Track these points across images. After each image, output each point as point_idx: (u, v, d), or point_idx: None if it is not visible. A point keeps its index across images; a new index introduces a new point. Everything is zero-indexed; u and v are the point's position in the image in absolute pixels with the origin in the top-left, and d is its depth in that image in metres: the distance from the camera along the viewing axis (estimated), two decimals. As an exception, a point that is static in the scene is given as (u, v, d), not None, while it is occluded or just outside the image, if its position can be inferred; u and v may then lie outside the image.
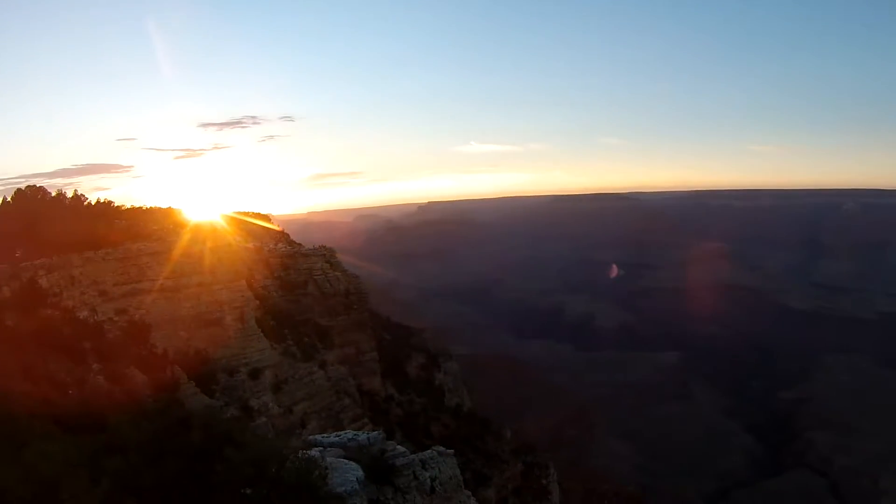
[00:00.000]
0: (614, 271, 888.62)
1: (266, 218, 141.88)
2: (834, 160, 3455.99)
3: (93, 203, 77.14)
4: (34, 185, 75.70)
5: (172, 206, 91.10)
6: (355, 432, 34.66)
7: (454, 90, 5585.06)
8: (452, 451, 36.39)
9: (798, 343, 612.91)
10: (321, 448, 31.22)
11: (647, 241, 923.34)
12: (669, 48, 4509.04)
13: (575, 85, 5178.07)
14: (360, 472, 28.72)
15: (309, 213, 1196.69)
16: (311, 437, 36.20)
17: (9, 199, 73.58)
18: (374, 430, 41.58)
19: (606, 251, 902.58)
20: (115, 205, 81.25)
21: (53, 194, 75.03)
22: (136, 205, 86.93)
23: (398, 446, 33.66)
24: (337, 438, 33.42)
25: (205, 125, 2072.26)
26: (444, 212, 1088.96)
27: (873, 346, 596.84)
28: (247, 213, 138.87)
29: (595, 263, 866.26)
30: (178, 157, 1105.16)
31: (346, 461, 29.78)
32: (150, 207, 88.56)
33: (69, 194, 75.97)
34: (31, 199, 73.58)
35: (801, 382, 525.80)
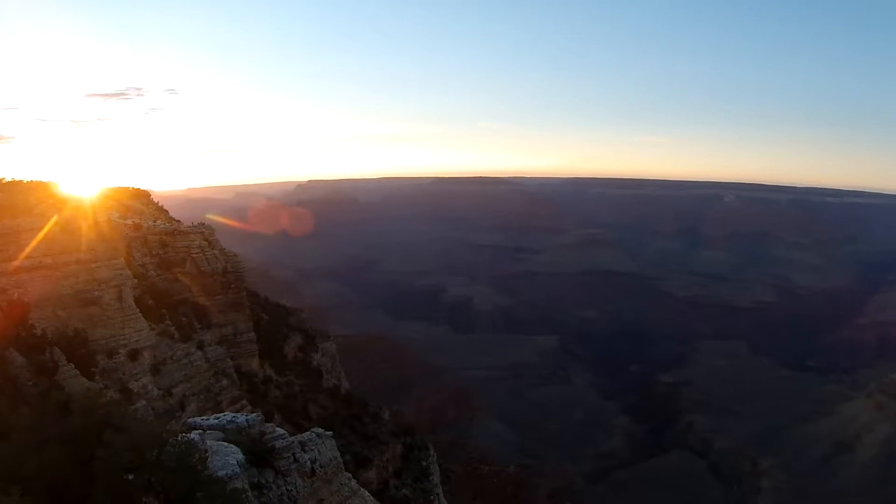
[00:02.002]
0: None
1: (146, 193, 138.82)
2: (716, 154, 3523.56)
3: (-29, 176, 74.81)
4: (-88, 159, 73.43)
5: (53, 180, 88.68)
6: (234, 414, 34.77)
7: (340, 69, 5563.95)
8: (331, 432, 37.00)
9: (676, 329, 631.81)
10: (201, 431, 30.83)
11: (527, 226, 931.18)
12: (560, 37, 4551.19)
13: (462, 67, 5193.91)
14: (241, 455, 28.92)
15: (189, 189, 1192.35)
16: (190, 419, 35.79)
17: None
18: (252, 413, 41.53)
19: (486, 234, 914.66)
20: (-5, 177, 78.84)
21: (-67, 168, 72.79)
22: (17, 178, 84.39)
23: (277, 428, 33.99)
24: (216, 421, 33.52)
25: (91, 95, 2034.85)
26: (324, 191, 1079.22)
27: (749, 333, 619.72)
28: (127, 188, 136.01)
29: (474, 246, 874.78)
30: (62, 129, 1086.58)
31: (225, 444, 29.90)
32: (31, 181, 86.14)
33: (-52, 167, 73.80)
34: None
35: (680, 367, 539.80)
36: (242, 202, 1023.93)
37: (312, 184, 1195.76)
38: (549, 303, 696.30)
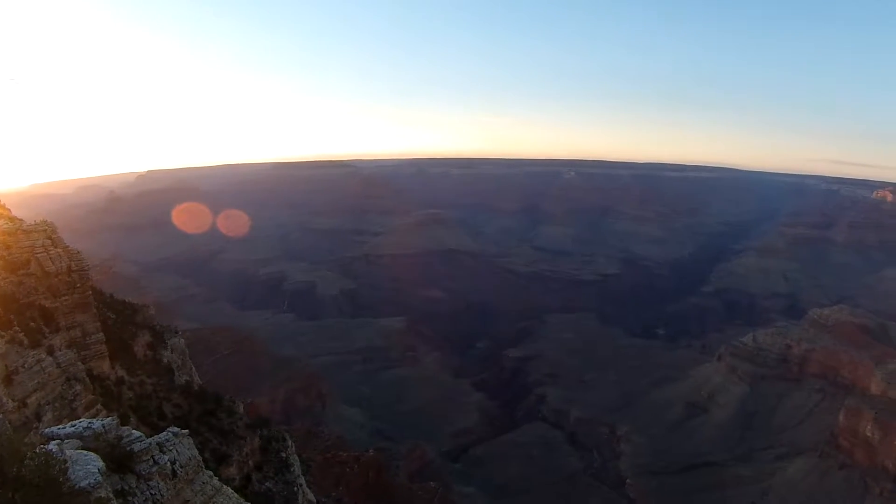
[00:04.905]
0: None
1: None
2: (556, 132, 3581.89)
3: None
4: None
5: None
6: (90, 420, 33.40)
7: (179, 56, 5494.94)
8: (187, 431, 36.42)
9: (521, 304, 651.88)
10: (59, 441, 29.81)
11: (367, 208, 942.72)
12: (392, 14, 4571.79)
13: (295, 48, 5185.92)
14: (100, 463, 27.91)
15: (32, 185, 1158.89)
16: (47, 430, 34.76)
17: None
18: (108, 417, 40.70)
19: (325, 218, 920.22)
20: None
21: None
22: None
23: (133, 431, 33.20)
24: (73, 429, 32.17)
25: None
26: (165, 180, 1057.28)
27: (596, 305, 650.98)
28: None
29: (314, 231, 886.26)
30: None
31: (85, 452, 28.83)
32: None
33: None
34: None
35: (528, 341, 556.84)
36: (85, 197, 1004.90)
37: (152, 174, 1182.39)
38: (393, 284, 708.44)
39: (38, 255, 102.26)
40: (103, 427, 32.21)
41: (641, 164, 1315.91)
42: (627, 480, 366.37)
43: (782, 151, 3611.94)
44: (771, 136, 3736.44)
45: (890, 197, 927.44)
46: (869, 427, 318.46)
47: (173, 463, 32.99)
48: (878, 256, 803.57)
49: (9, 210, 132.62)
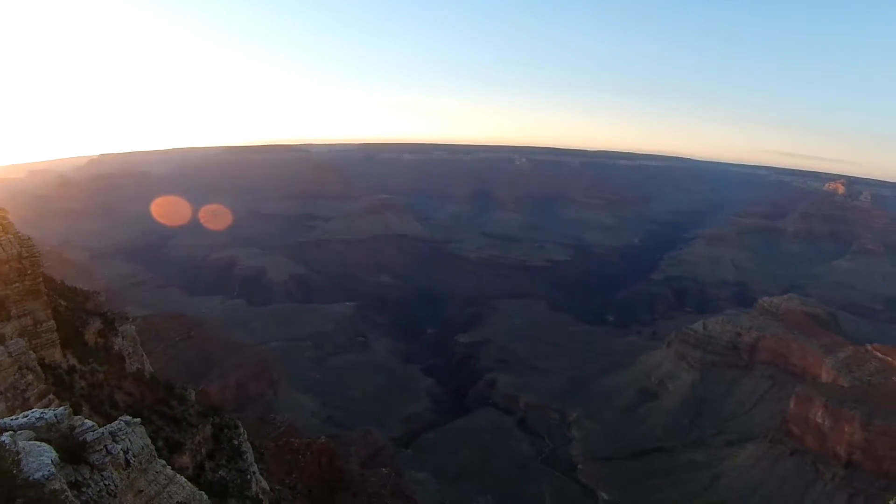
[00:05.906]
0: None
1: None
2: (507, 119, 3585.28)
3: None
4: None
5: None
6: (42, 410, 32.73)
7: (132, 39, 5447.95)
8: (139, 419, 36.05)
9: (471, 289, 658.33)
10: (12, 432, 29.17)
11: (317, 193, 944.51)
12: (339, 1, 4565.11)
13: (248, 32, 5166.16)
14: (54, 454, 27.72)
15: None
16: (0, 421, 34.76)
17: None
18: (60, 406, 40.47)
19: (275, 203, 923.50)
20: None
21: None
22: None
23: (86, 420, 32.69)
24: (25, 420, 31.65)
25: None
26: (116, 165, 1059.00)
27: (546, 292, 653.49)
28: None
29: (264, 216, 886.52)
30: None
31: (37, 443, 28.59)
32: None
33: None
34: None
35: (478, 327, 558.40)
36: (35, 181, 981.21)
37: (104, 158, 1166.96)
38: (343, 270, 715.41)
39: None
40: (56, 417, 31.86)
41: (592, 151, 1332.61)
42: (579, 466, 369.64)
43: (734, 142, 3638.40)
44: (722, 127, 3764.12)
45: (841, 189, 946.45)
46: (819, 414, 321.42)
47: (126, 452, 32.87)
48: (828, 247, 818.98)
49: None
